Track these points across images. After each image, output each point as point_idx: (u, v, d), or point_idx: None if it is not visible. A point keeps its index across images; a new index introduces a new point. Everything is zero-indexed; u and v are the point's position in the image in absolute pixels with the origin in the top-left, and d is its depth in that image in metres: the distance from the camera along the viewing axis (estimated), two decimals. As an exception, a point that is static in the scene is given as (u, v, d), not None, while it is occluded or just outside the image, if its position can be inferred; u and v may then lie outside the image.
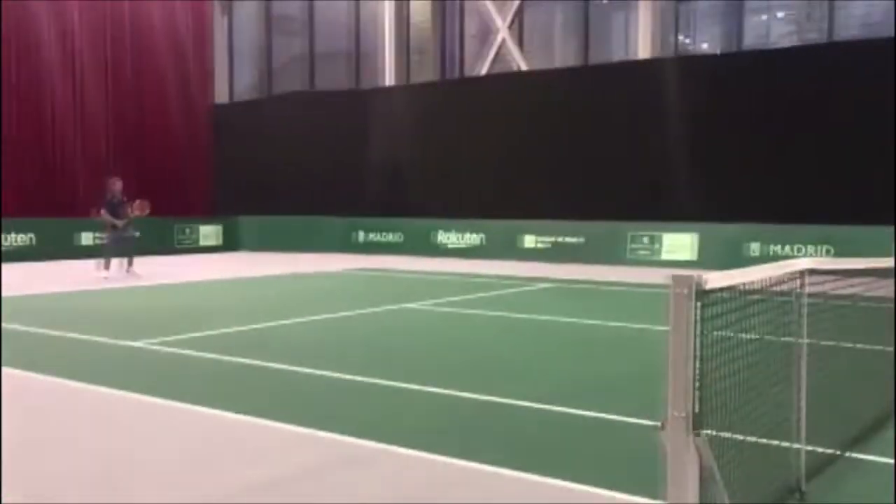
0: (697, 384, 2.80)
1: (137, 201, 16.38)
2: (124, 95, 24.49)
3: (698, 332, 2.80)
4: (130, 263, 16.24)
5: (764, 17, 20.83)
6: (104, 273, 15.74)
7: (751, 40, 20.41)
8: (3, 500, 3.58)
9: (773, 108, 17.91)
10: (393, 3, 24.34)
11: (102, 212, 16.23)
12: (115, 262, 16.07)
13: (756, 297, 3.49)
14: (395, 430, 5.36)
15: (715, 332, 3.03)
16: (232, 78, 28.29)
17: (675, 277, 2.83)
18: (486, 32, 23.61)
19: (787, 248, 17.37)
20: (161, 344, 8.64)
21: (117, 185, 16.42)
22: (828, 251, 16.67)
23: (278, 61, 28.19)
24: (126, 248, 16.28)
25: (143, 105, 25.04)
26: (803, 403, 4.02)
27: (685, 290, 2.80)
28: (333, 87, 25.73)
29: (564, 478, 4.38)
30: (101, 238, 17.95)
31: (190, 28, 26.36)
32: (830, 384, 4.42)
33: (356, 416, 5.80)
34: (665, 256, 19.13)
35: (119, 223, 16.13)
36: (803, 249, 17.07)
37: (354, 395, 6.54)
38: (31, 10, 22.21)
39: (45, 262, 20.09)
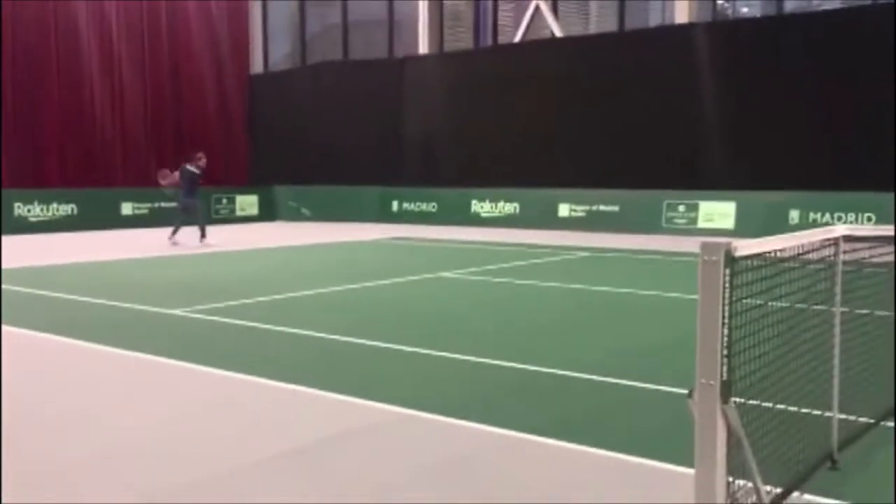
0: (726, 352, 2.80)
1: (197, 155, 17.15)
2: (161, 67, 24.70)
3: (727, 300, 2.78)
4: (203, 234, 16.78)
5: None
6: (171, 240, 16.43)
7: (793, 3, 19.90)
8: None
9: (814, 72, 17.50)
10: (427, -31, 24.12)
11: (172, 175, 17.14)
12: (184, 231, 16.77)
13: (789, 264, 3.46)
14: (429, 397, 5.43)
15: (746, 300, 3.02)
16: (267, 48, 28.33)
17: (704, 245, 2.82)
18: (521, -1, 23.33)
19: (828, 215, 17.06)
20: (198, 312, 8.79)
21: (202, 160, 17.05)
22: (869, 219, 16.35)
23: (312, 31, 28.16)
24: (194, 217, 16.88)
25: (180, 76, 25.24)
26: (836, 372, 3.99)
27: (714, 258, 2.79)
28: (367, 56, 25.67)
29: (598, 446, 4.41)
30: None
31: (226, 1, 26.42)
32: (865, 353, 4.37)
33: (391, 383, 5.88)
34: (702, 225, 18.91)
35: (164, 183, 17.12)
36: (844, 217, 16.76)
37: (389, 362, 6.61)
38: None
39: (87, 231, 20.49)
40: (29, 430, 4.79)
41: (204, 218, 17.28)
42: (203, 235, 16.78)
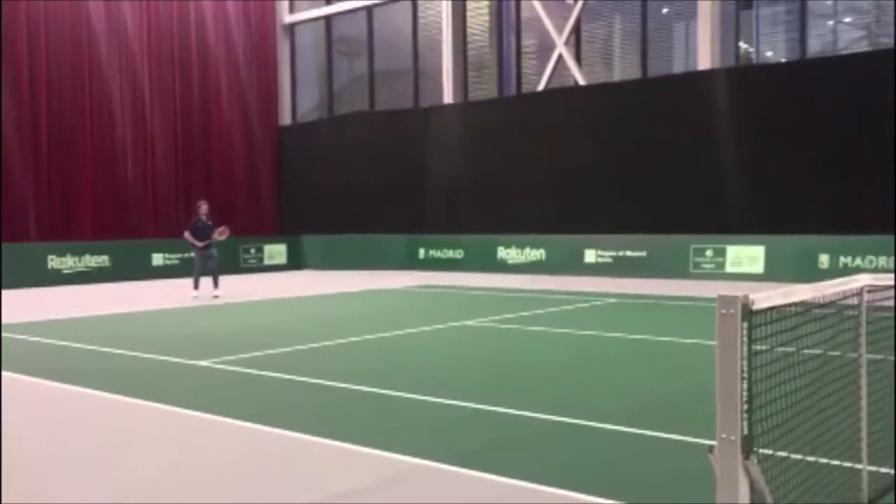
0: (746, 406, 2.77)
1: (222, 227, 16.93)
2: (191, 120, 25.22)
3: (745, 353, 2.76)
4: (216, 284, 16.69)
5: (830, 22, 20.31)
6: (193, 293, 16.35)
7: (817, 47, 19.93)
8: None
9: (841, 115, 17.43)
10: (451, 20, 24.52)
11: (186, 233, 16.93)
12: (202, 281, 16.61)
13: (811, 315, 3.42)
14: (447, 448, 5.39)
15: (767, 352, 2.99)
16: (295, 100, 28.86)
17: (721, 297, 2.80)
18: (544, 48, 23.60)
19: (858, 259, 16.83)
20: (224, 363, 8.84)
21: (203, 207, 17.01)
22: (900, 262, 16.11)
23: (339, 82, 28.68)
24: (211, 268, 16.74)
25: (210, 129, 25.75)
26: (864, 423, 3.91)
27: (731, 311, 2.77)
28: (394, 107, 26.03)
29: (617, 497, 4.34)
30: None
31: (254, 53, 27.04)
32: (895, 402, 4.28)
33: (407, 433, 5.85)
34: (730, 269, 18.74)
35: (199, 244, 16.62)
36: (875, 261, 16.53)
37: (410, 412, 6.58)
38: (98, 47, 23.04)
39: (119, 282, 20.77)
40: (47, 481, 4.81)
41: (217, 268, 16.98)
42: (215, 286, 16.64)
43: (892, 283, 4.13)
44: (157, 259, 22.55)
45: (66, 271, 20.81)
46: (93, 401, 7.18)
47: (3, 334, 10.99)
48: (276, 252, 25.60)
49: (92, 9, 22.86)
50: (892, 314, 4.24)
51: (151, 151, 24.27)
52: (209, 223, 16.81)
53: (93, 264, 21.35)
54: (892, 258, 16.33)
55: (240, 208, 25.93)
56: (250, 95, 26.88)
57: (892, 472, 4.22)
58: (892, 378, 4.30)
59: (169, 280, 21.24)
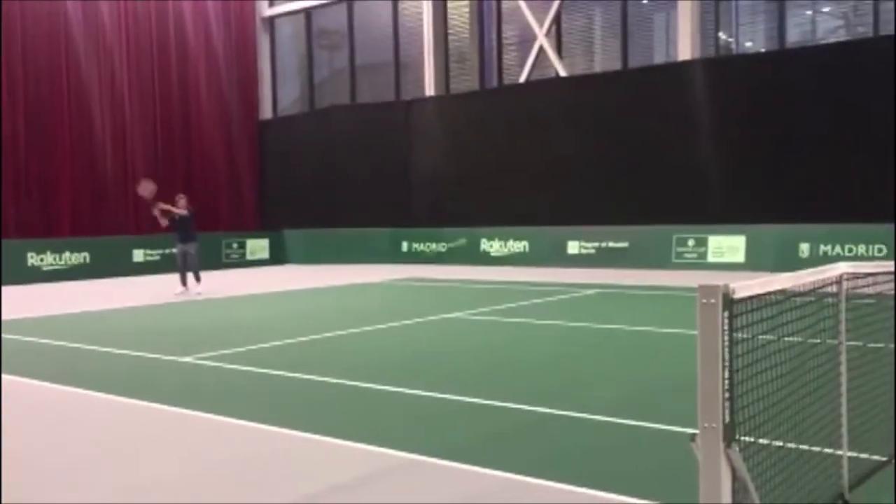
0: (727, 395, 2.78)
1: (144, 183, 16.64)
2: (171, 116, 25.04)
3: (727, 342, 2.78)
4: (197, 279, 16.49)
5: (809, 12, 20.43)
6: (179, 289, 16.24)
7: (796, 37, 20.04)
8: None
9: (819, 105, 17.56)
10: (431, 13, 24.47)
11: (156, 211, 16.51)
12: (187, 277, 16.46)
13: (791, 304, 3.45)
14: (437, 441, 5.40)
15: (748, 341, 3.01)
16: (275, 94, 28.71)
17: (701, 287, 2.81)
18: (525, 40, 23.60)
19: (838, 248, 16.98)
20: (208, 359, 8.80)
21: (181, 201, 16.69)
22: (880, 250, 16.27)
23: (320, 75, 28.55)
24: (191, 264, 16.57)
25: (190, 124, 25.58)
26: (844, 410, 3.95)
27: (712, 300, 2.78)
28: (375, 100, 25.96)
29: (605, 488, 4.37)
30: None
31: (234, 47, 26.85)
32: (875, 389, 4.33)
33: (395, 427, 5.85)
34: (712, 259, 18.86)
35: (159, 216, 16.34)
36: (854, 249, 16.69)
37: (396, 405, 6.59)
38: (75, 41, 22.81)
39: (100, 279, 20.62)
40: (35, 482, 4.78)
41: (200, 263, 16.82)
42: (196, 281, 16.44)
43: (870, 270, 4.17)
44: (138, 255, 22.39)
45: (45, 268, 20.63)
46: (76, 399, 7.13)
47: (-17, 333, 10.89)
48: (258, 247, 25.49)
49: (70, 7, 22.62)
50: (871, 301, 4.28)
51: (131, 147, 24.08)
52: (188, 215, 16.53)
53: (73, 261, 21.18)
54: (872, 247, 16.48)
55: (221, 203, 25.82)
56: (230, 89, 26.71)
57: (872, 457, 4.27)
58: (872, 365, 4.35)
59: (150, 276, 21.11)
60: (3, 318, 12.63)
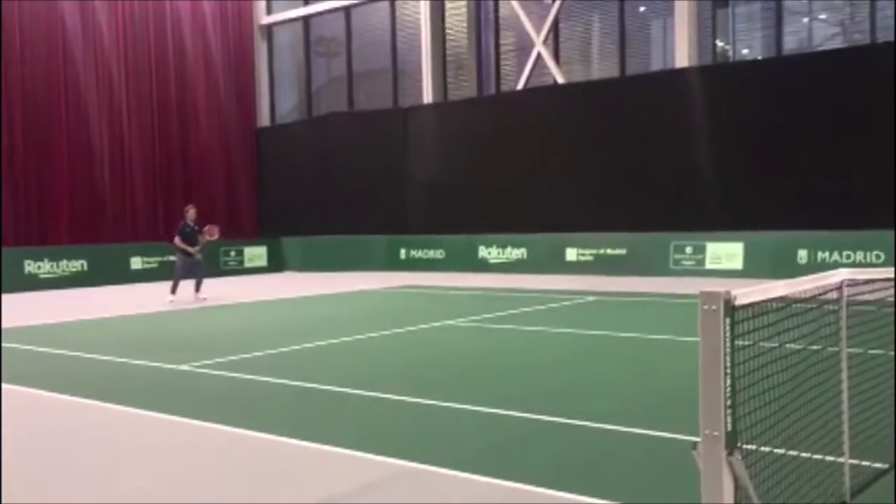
0: (729, 402, 2.77)
1: (208, 226, 16.82)
2: (169, 123, 25.02)
3: (728, 349, 2.76)
4: (198, 288, 16.57)
5: (805, 19, 20.48)
6: (170, 297, 16.16)
7: (793, 44, 20.09)
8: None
9: (817, 112, 17.58)
10: (429, 20, 24.51)
11: (176, 239, 16.65)
12: (181, 285, 16.43)
13: (792, 310, 3.44)
14: (434, 450, 5.37)
15: (749, 348, 3.00)
16: (273, 101, 28.72)
17: (703, 294, 2.81)
18: (523, 47, 23.64)
19: (836, 254, 16.98)
20: (205, 367, 8.77)
21: (190, 212, 16.83)
22: (878, 257, 16.28)
23: (318, 82, 28.56)
24: (196, 272, 16.63)
25: (188, 132, 25.57)
26: (845, 417, 3.94)
27: (714, 307, 2.77)
28: (373, 107, 25.97)
29: (608, 497, 4.35)
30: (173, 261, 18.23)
31: (231, 54, 26.87)
32: (877, 396, 4.31)
33: (395, 436, 5.83)
34: (710, 266, 18.85)
35: (192, 250, 16.47)
36: (853, 256, 16.69)
37: (395, 413, 6.56)
38: (73, 51, 22.84)
39: (98, 287, 20.57)
40: (35, 493, 4.75)
41: (203, 272, 16.96)
42: (197, 289, 16.53)
43: (870, 276, 4.17)
44: (136, 263, 22.34)
45: (43, 276, 20.58)
46: (73, 408, 7.10)
47: (-20, 341, 10.85)
48: (256, 254, 25.46)
49: (67, 13, 22.63)
50: (871, 308, 4.27)
51: (128, 155, 24.06)
52: (196, 228, 16.68)
53: (70, 269, 21.13)
54: (870, 253, 16.49)
55: (219, 211, 25.72)
56: (228, 97, 26.71)
57: (874, 465, 4.25)
58: (872, 372, 4.34)
59: (148, 284, 21.06)
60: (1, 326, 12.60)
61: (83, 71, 23.07)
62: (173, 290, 16.31)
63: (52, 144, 22.38)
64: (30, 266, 20.42)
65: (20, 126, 21.70)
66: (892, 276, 4.30)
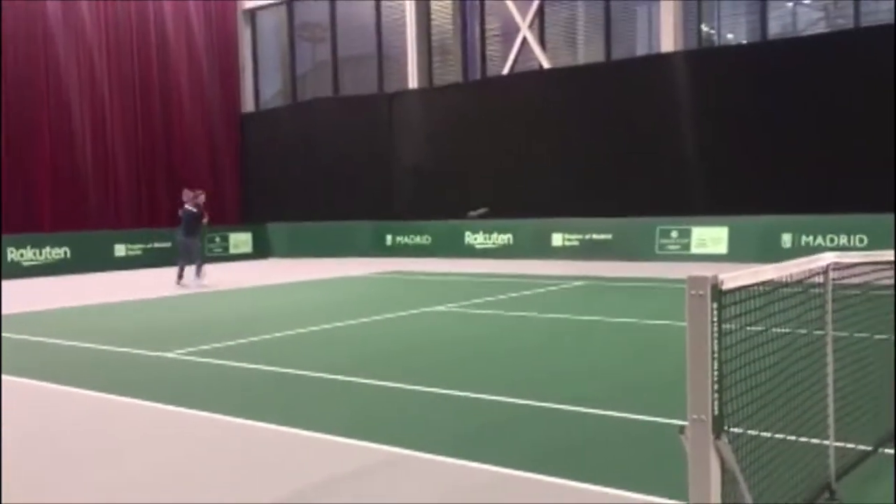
0: (716, 386, 2.77)
1: (193, 193, 17.04)
2: (152, 109, 24.80)
3: (716, 333, 2.76)
4: (199, 271, 16.74)
5: (790, 4, 20.51)
6: (184, 280, 16.44)
7: (777, 29, 20.11)
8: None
9: (802, 97, 17.64)
10: (414, 5, 24.36)
11: (205, 219, 17.02)
12: (187, 270, 16.69)
13: (778, 294, 3.44)
14: (423, 436, 5.38)
15: (736, 332, 3.00)
16: (257, 86, 28.52)
17: (690, 278, 2.80)
18: (508, 32, 23.55)
19: (820, 238, 17.09)
20: (191, 354, 8.73)
21: (200, 197, 17.05)
22: (861, 240, 16.39)
23: (303, 68, 28.37)
24: (194, 255, 16.79)
25: (171, 117, 25.35)
26: (831, 400, 3.96)
27: (701, 292, 2.77)
28: (358, 92, 25.83)
29: (594, 481, 4.36)
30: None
31: (215, 40, 26.64)
32: (861, 379, 4.34)
33: (383, 422, 5.82)
34: (695, 251, 18.93)
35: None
36: (836, 239, 16.80)
37: (381, 400, 6.56)
38: (54, 35, 22.56)
39: (81, 274, 20.43)
40: (19, 481, 4.72)
41: (202, 256, 17.19)
42: (198, 273, 16.71)
43: (856, 260, 4.18)
44: (120, 250, 22.20)
45: (26, 264, 20.41)
46: (61, 396, 7.05)
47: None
48: (241, 241, 25.34)
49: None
50: (857, 292, 4.29)
51: (111, 141, 23.85)
52: (195, 211, 16.87)
53: (53, 256, 20.97)
54: (853, 237, 16.60)
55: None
56: (212, 82, 26.49)
57: (857, 447, 4.28)
58: (857, 355, 4.36)
59: (132, 271, 20.93)
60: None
61: (65, 56, 22.80)
62: (180, 276, 16.59)
63: (34, 131, 22.14)
64: (13, 254, 20.24)
65: (2, 114, 21.42)
66: (879, 259, 4.32)
